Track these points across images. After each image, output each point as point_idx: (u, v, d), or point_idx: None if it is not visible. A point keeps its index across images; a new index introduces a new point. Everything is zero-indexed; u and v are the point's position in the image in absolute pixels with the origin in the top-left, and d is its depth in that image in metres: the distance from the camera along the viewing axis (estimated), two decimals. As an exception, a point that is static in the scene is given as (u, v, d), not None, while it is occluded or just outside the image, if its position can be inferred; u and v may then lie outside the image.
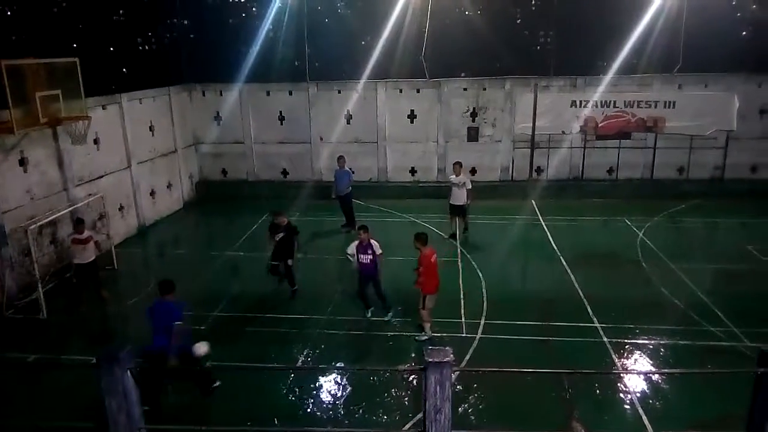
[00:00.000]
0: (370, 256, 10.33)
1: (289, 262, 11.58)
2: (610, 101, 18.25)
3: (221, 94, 19.51)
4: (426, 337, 10.21)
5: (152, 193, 17.18)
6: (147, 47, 17.52)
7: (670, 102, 18.05)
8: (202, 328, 10.52)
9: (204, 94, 19.66)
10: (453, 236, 14.89)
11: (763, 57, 17.45)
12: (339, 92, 19.21)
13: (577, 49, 18.11)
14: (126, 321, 11.21)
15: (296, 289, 11.86)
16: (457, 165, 14.68)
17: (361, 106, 19.22)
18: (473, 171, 19.33)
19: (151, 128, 17.19)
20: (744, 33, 17.79)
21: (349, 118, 19.37)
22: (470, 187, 14.45)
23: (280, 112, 19.50)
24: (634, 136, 18.61)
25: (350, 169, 16.66)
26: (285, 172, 20.07)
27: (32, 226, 11.33)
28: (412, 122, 19.29)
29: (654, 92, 18.27)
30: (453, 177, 14.65)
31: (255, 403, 8.43)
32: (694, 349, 9.60)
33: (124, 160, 15.85)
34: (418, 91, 19.06)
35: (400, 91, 19.10)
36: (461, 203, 14.55)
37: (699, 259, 13.54)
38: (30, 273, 11.44)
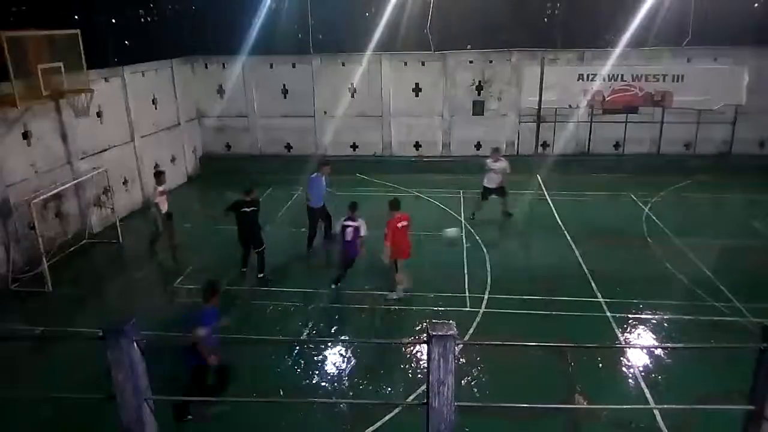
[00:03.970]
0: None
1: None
2: (617, 75, 17.99)
3: (224, 67, 19.31)
4: (396, 297, 10.50)
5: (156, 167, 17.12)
6: (149, 19, 17.32)
7: (678, 76, 17.78)
8: (208, 301, 10.62)
9: (206, 67, 19.46)
10: (473, 216, 14.56)
11: (774, 30, 17.12)
12: (343, 65, 19.00)
13: (584, 21, 17.83)
14: (132, 294, 11.31)
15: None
16: (496, 151, 14.31)
17: (365, 80, 19.01)
18: (478, 145, 19.24)
19: (153, 101, 17.08)
20: (756, 5, 17.45)
21: (353, 91, 19.19)
22: (509, 171, 14.17)
23: (284, 85, 19.33)
24: (641, 110, 18.39)
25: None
26: (289, 147, 19.99)
27: (36, 200, 11.35)
28: (417, 96, 19.11)
29: (662, 66, 17.99)
30: (492, 162, 14.09)
31: (260, 376, 8.53)
32: (698, 324, 9.61)
33: (127, 134, 15.79)
34: (423, 64, 18.84)
35: (405, 63, 18.88)
36: (497, 185, 14.18)
37: (704, 235, 13.47)
38: (35, 246, 11.49)
